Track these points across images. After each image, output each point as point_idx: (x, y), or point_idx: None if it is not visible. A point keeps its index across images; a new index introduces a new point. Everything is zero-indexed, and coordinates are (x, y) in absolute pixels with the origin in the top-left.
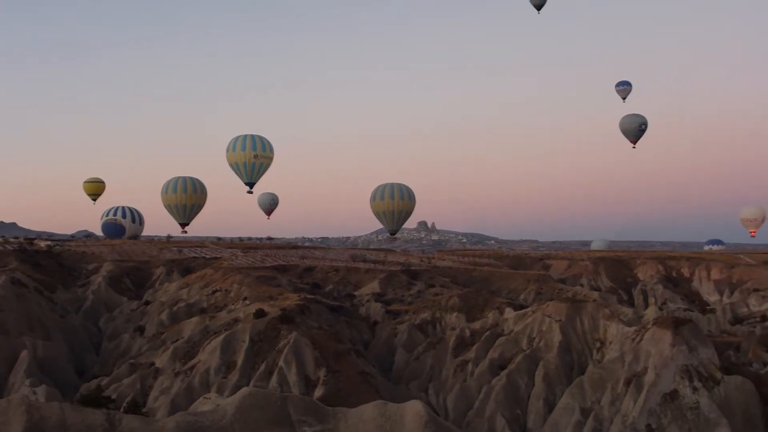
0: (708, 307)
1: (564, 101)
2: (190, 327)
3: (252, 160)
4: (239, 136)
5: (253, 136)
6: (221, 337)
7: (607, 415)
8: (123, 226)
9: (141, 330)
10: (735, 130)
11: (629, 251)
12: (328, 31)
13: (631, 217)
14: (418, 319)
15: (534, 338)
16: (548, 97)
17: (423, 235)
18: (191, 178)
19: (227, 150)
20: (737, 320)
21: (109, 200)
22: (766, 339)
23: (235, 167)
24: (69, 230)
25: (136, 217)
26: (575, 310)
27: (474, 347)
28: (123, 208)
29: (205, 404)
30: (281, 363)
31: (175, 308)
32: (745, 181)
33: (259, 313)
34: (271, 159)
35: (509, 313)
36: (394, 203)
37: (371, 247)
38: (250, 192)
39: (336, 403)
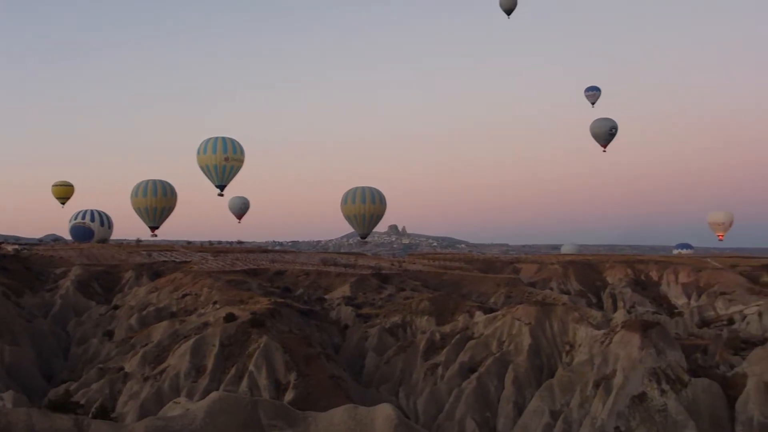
0: (676, 311)
1: (534, 105)
2: (159, 331)
3: (223, 162)
4: (210, 138)
5: (224, 139)
6: (191, 341)
7: (576, 417)
8: (91, 229)
9: (110, 334)
10: (704, 134)
11: (598, 255)
12: (299, 34)
13: (601, 221)
14: (389, 323)
15: (504, 341)
16: (519, 101)
17: (394, 239)
18: (161, 181)
19: (197, 152)
20: (704, 323)
21: (77, 204)
22: (733, 342)
23: (206, 170)
24: (37, 234)
25: (105, 221)
26: (545, 314)
27: (444, 351)
28: (92, 211)
29: (174, 409)
30: (251, 367)
31: (144, 312)
32: (713, 186)
33: (230, 317)
34: (242, 162)
35: (479, 316)
36: (365, 207)
37: (342, 250)
38: (221, 195)
39: (306, 406)
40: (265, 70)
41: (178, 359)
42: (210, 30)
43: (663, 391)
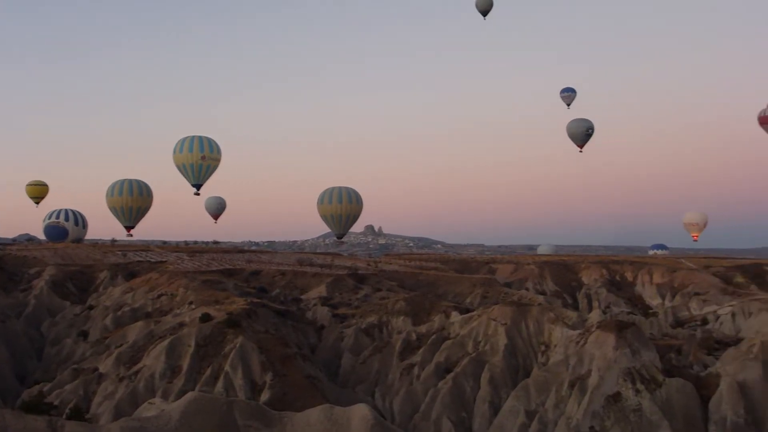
0: (650, 311)
1: (511, 106)
2: (134, 331)
3: (199, 161)
4: (186, 137)
5: (200, 138)
6: (166, 341)
7: (552, 417)
8: (66, 229)
9: (84, 335)
10: (680, 136)
11: (574, 255)
12: (275, 34)
13: (577, 222)
14: (365, 323)
15: (480, 342)
16: (494, 102)
17: (370, 239)
18: (137, 181)
19: (174, 151)
20: (678, 323)
21: (52, 203)
22: (707, 342)
23: (182, 169)
24: (10, 234)
25: (80, 220)
26: (520, 314)
27: (420, 351)
28: (66, 210)
29: (149, 410)
30: (227, 367)
31: (119, 313)
32: (689, 187)
33: (205, 318)
34: (218, 161)
35: (455, 316)
36: (342, 207)
37: (318, 251)
38: (197, 194)
39: (282, 407)
40: (242, 70)
41: (154, 360)
42: (186, 30)
43: (637, 391)
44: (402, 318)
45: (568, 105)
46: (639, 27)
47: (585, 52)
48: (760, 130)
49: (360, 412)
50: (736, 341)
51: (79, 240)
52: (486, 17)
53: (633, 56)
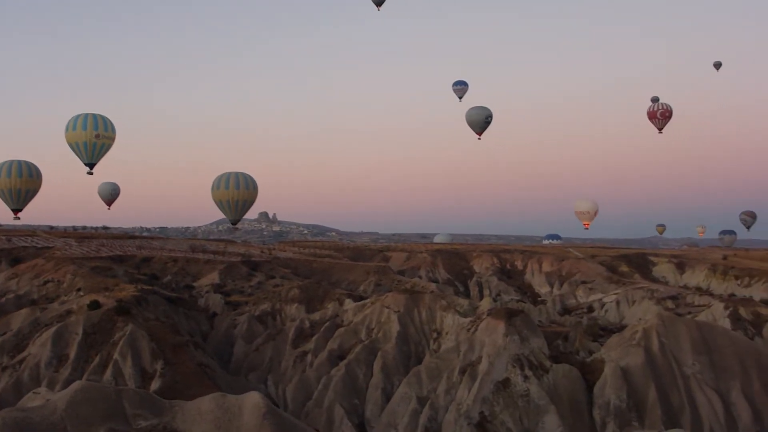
0: (539, 299)
1: (406, 96)
2: (19, 319)
3: (93, 139)
4: (80, 114)
5: (94, 115)
6: (53, 329)
7: (443, 403)
8: None
9: None
10: (573, 126)
11: (466, 244)
12: (170, 17)
13: (473, 211)
14: (258, 311)
15: (373, 329)
16: (391, 91)
17: (264, 226)
18: (25, 162)
19: (66, 129)
20: (566, 311)
21: None
22: (592, 329)
23: (75, 147)
24: None
25: None
26: (413, 302)
27: (313, 338)
28: None
29: (34, 399)
30: (116, 356)
31: (2, 300)
32: (581, 177)
33: (94, 305)
34: (112, 139)
35: (349, 304)
36: (238, 192)
37: (211, 237)
38: (90, 173)
39: (173, 395)
40: (137, 53)
41: (39, 348)
42: (83, 10)
43: (526, 377)
44: (295, 305)
45: (460, 98)
46: (533, 20)
47: (481, 45)
48: (649, 123)
49: (252, 399)
50: (620, 328)
51: None
52: (380, 8)
53: (527, 50)
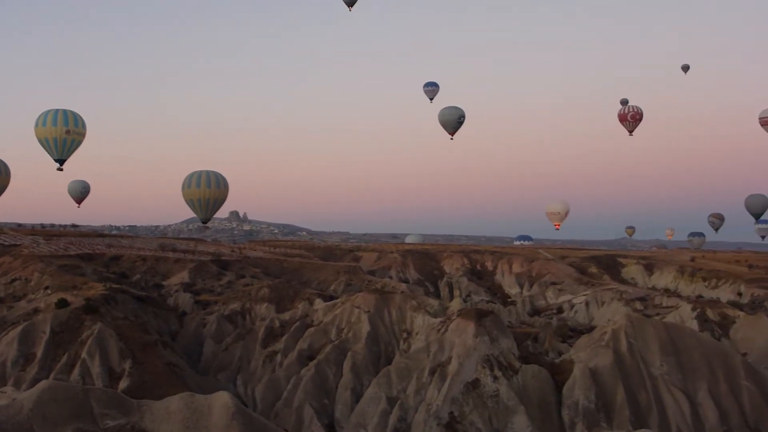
0: (509, 300)
1: (379, 95)
2: None
3: (63, 135)
4: (50, 110)
5: (64, 111)
6: (19, 327)
7: (413, 404)
8: None
9: None
10: (545, 127)
11: (436, 245)
12: (147, 15)
13: (444, 212)
14: (228, 310)
15: (343, 329)
16: (363, 91)
17: (234, 225)
18: None
19: (36, 125)
20: (535, 312)
21: None
22: (562, 330)
23: (45, 143)
24: None
25: None
26: (383, 302)
27: (283, 338)
28: None
29: (0, 399)
30: (84, 355)
31: None
32: (552, 178)
33: (62, 303)
34: (83, 135)
35: (319, 304)
36: (209, 191)
37: (181, 236)
38: (60, 169)
39: (141, 395)
40: (108, 50)
41: (5, 347)
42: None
43: (495, 378)
44: (265, 305)
45: (431, 99)
46: (505, 22)
47: (452, 46)
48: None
49: (221, 399)
50: (589, 329)
51: None
52: (351, 8)
53: (498, 52)
